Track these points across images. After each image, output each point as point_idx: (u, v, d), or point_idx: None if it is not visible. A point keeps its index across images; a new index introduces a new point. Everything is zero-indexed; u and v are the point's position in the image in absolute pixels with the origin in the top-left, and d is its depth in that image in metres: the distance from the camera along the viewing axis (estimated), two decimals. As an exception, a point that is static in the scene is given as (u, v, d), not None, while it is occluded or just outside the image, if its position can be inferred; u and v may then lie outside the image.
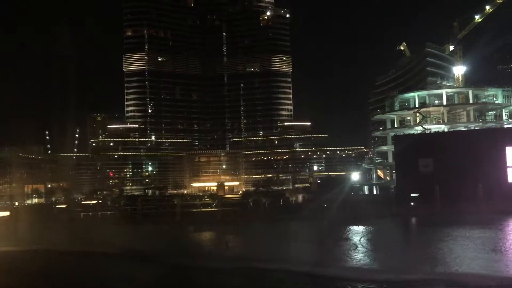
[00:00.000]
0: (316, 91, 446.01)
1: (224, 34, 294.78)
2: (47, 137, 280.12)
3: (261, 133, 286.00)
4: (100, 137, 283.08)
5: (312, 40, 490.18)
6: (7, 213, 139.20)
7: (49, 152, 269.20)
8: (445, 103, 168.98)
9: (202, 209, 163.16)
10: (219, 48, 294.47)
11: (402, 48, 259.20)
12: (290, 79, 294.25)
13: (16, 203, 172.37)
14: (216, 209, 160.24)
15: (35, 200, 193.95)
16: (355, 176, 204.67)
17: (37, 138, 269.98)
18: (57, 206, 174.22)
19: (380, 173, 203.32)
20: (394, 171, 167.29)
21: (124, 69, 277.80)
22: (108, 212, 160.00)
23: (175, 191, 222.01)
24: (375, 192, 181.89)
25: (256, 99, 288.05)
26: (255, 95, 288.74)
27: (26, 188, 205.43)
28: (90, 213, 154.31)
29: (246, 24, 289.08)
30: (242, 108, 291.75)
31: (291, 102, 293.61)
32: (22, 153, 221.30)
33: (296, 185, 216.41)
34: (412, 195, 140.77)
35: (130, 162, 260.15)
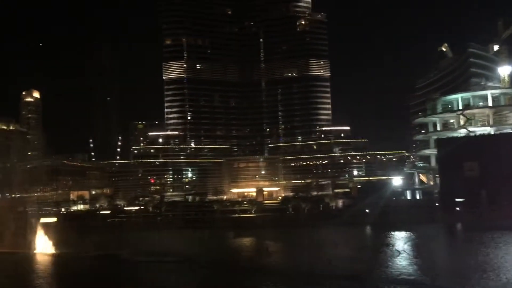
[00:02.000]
0: (355, 94, 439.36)
1: (261, 40, 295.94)
2: (91, 145, 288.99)
3: (299, 138, 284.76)
4: (141, 144, 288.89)
5: (350, 43, 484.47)
6: (54, 219, 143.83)
7: (93, 159, 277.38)
8: (490, 104, 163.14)
9: (241, 215, 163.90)
10: (256, 54, 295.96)
11: (444, 49, 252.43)
12: (328, 84, 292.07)
13: (63, 209, 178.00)
14: (255, 215, 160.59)
15: (81, 206, 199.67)
16: (397, 180, 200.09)
17: (81, 146, 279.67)
18: (101, 212, 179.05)
19: (422, 177, 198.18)
20: (437, 176, 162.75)
21: (163, 77, 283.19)
22: (150, 218, 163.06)
23: (214, 197, 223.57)
24: (417, 197, 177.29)
25: (294, 104, 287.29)
26: (293, 100, 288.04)
27: (71, 194, 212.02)
28: (133, 219, 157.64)
29: (283, 30, 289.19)
30: (280, 114, 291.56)
31: (329, 106, 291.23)
32: (68, 161, 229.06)
33: (336, 190, 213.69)
34: (457, 200, 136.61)
35: (170, 168, 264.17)
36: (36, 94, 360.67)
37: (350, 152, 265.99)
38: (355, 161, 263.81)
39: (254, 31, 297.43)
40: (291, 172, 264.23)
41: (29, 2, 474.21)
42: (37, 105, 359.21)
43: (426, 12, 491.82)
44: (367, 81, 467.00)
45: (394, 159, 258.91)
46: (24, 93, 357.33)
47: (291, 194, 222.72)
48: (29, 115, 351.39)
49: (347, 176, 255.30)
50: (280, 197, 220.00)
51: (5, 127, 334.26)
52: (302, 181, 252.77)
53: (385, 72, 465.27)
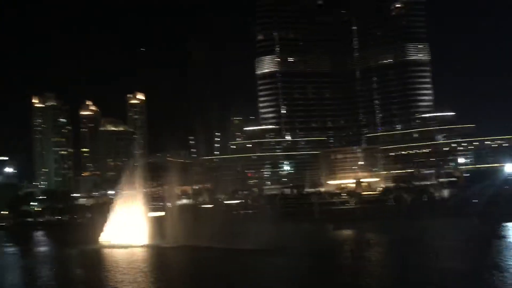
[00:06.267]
0: (460, 78, 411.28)
1: (354, 28, 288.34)
2: (192, 142, 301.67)
3: (399, 127, 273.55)
4: (238, 139, 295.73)
5: (452, 22, 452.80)
6: (162, 213, 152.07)
7: (194, 156, 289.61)
8: None
9: (340, 207, 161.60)
10: (349, 43, 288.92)
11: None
12: (428, 68, 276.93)
13: (169, 204, 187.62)
14: (355, 207, 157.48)
15: (184, 201, 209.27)
16: (510, 168, 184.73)
17: (183, 144, 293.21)
18: (203, 206, 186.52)
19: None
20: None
21: (257, 72, 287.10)
22: (250, 211, 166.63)
23: (312, 190, 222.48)
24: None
25: (391, 92, 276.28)
26: (390, 88, 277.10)
27: (176, 190, 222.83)
28: (234, 212, 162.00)
29: (377, 16, 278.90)
30: (377, 102, 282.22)
31: (430, 92, 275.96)
32: (171, 157, 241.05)
33: (441, 180, 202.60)
34: None
35: (267, 162, 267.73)
36: (141, 96, 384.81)
37: (456, 139, 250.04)
38: (461, 148, 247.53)
39: (346, 20, 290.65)
40: (391, 162, 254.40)
41: (130, 8, 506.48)
42: (142, 106, 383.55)
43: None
44: (473, 62, 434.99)
45: (505, 145, 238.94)
46: (129, 95, 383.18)
47: (392, 184, 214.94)
48: (135, 116, 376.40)
49: (452, 164, 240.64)
50: (380, 188, 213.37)
51: (115, 128, 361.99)
52: (403, 171, 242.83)
53: (493, 51, 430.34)
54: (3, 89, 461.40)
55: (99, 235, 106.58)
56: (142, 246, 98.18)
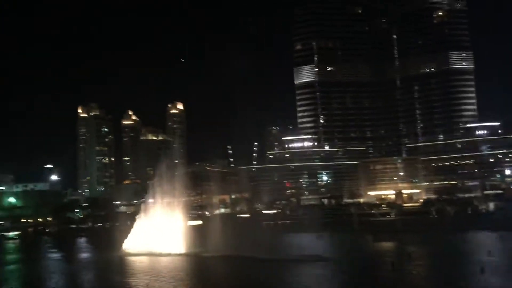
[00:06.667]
0: (506, 85, 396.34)
1: (394, 36, 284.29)
2: (230, 151, 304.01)
3: (441, 137, 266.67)
4: (276, 149, 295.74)
5: (496, 29, 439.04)
6: (200, 222, 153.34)
7: (232, 165, 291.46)
8: None
9: (380, 218, 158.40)
10: (389, 52, 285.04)
11: None
12: (472, 77, 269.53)
13: (207, 213, 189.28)
14: (395, 218, 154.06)
15: (222, 210, 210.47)
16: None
17: (222, 153, 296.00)
18: (240, 215, 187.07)
19: None
20: None
21: (295, 82, 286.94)
22: (288, 221, 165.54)
23: (350, 200, 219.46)
24: None
25: (433, 101, 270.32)
26: (432, 97, 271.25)
27: (214, 199, 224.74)
28: (272, 222, 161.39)
29: (418, 24, 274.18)
30: (418, 112, 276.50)
31: (474, 101, 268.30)
32: (210, 166, 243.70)
33: (486, 192, 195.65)
34: None
35: (305, 172, 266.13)
36: (180, 106, 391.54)
37: (501, 150, 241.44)
38: (507, 159, 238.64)
39: (386, 28, 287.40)
40: (433, 173, 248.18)
41: (170, 19, 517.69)
42: (181, 116, 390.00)
43: None
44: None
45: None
46: (169, 105, 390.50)
47: (434, 196, 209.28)
48: (175, 126, 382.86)
49: (498, 176, 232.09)
50: (421, 200, 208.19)
51: (155, 138, 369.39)
52: (446, 182, 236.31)
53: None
54: (50, 98, 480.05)
55: (138, 243, 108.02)
56: (181, 255, 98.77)
